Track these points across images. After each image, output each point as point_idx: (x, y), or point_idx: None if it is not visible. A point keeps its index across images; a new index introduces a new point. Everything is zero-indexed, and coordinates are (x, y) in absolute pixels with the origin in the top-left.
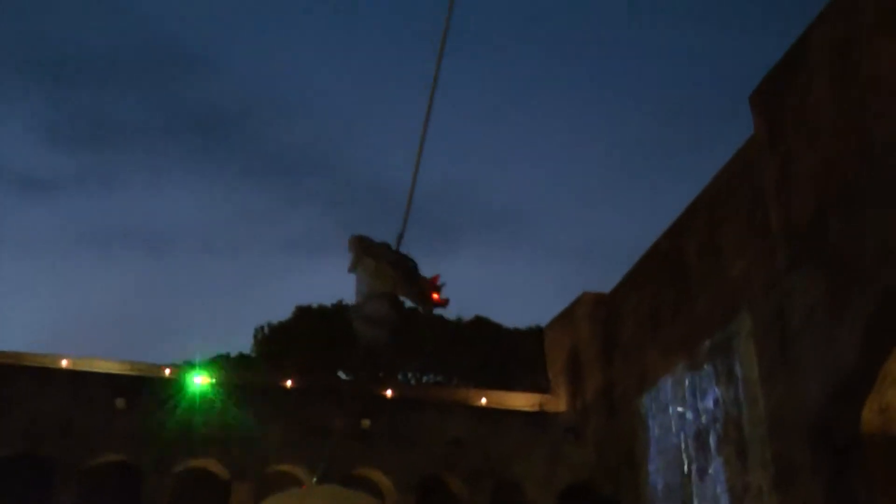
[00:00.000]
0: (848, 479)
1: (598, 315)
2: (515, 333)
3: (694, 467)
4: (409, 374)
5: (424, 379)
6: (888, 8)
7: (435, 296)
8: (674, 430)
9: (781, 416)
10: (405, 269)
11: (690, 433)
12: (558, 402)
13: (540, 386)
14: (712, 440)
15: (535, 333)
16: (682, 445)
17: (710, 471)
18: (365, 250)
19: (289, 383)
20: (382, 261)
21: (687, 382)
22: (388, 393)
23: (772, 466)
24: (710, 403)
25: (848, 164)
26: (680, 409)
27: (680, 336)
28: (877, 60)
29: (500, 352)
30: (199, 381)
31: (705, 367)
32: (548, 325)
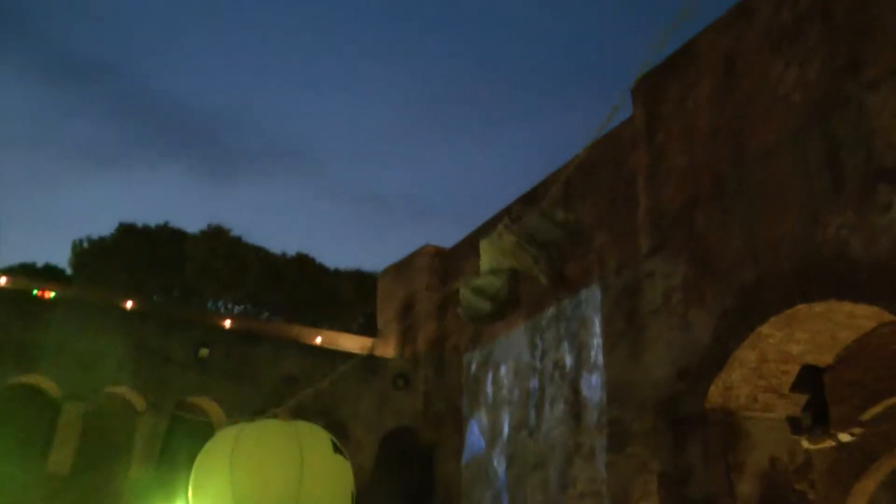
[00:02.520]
0: (687, 447)
1: (436, 268)
2: (336, 275)
3: (526, 424)
4: (231, 306)
5: (236, 310)
6: (776, 29)
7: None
8: (507, 387)
9: (622, 385)
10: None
11: (524, 391)
12: (388, 348)
13: (362, 329)
14: (547, 400)
15: (356, 276)
16: (515, 402)
17: (542, 428)
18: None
19: (129, 304)
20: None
21: (526, 343)
22: (227, 323)
23: (607, 429)
24: (549, 365)
25: (721, 165)
26: (515, 367)
27: (523, 298)
28: (759, 76)
29: (321, 292)
30: (39, 294)
31: (548, 331)
32: (383, 272)
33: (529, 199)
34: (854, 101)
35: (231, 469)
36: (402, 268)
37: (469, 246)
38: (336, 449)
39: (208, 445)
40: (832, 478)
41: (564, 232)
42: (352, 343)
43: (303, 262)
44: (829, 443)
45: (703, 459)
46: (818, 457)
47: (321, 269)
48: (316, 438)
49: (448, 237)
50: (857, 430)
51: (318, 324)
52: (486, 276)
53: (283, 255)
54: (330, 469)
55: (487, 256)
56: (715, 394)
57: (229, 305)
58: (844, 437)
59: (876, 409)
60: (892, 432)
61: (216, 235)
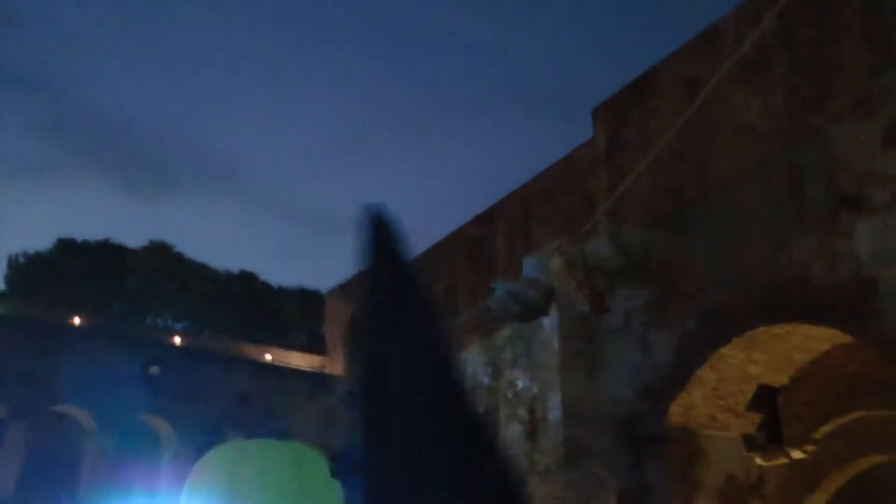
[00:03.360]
0: (646, 465)
1: None
2: (280, 293)
3: None
4: (172, 323)
5: (178, 327)
6: (743, 60)
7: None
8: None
9: (580, 405)
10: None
11: (480, 410)
12: (338, 366)
13: (305, 347)
14: (502, 419)
15: (299, 294)
16: None
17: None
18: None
19: (76, 321)
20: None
21: (480, 363)
22: (177, 341)
23: (563, 448)
24: (503, 385)
25: (683, 191)
26: (471, 387)
27: (477, 320)
28: (724, 104)
29: (265, 310)
30: None
31: (503, 351)
32: (332, 290)
33: (485, 219)
34: (818, 132)
35: (229, 488)
36: (351, 286)
37: (420, 264)
38: (332, 473)
39: (202, 464)
40: (784, 493)
41: (626, 260)
42: (301, 361)
43: (247, 280)
44: (783, 460)
45: (663, 477)
46: (771, 473)
47: (265, 287)
48: (313, 461)
49: None
50: (810, 448)
51: (264, 342)
52: (525, 284)
53: (227, 272)
54: (327, 495)
55: (531, 268)
56: (676, 413)
57: (170, 322)
58: (797, 455)
59: (827, 428)
60: (842, 450)
61: (158, 251)
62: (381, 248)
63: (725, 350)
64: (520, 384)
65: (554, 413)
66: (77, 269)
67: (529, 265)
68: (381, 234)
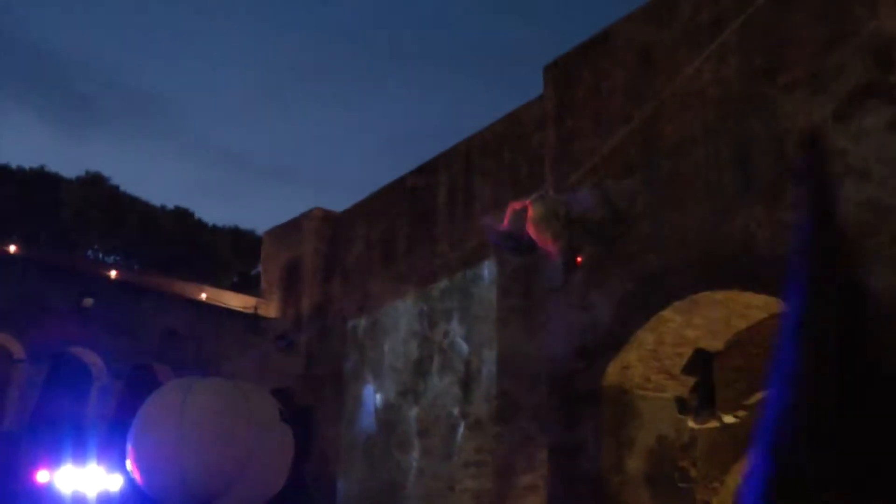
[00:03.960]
0: (580, 423)
1: (324, 232)
2: (214, 231)
3: (412, 391)
4: (103, 256)
5: (109, 260)
6: (695, 26)
7: (578, 260)
8: (394, 354)
9: (514, 360)
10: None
11: (412, 360)
12: (271, 309)
13: (236, 287)
14: (435, 370)
15: (234, 234)
16: (401, 370)
17: (429, 397)
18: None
19: (12, 249)
20: (553, 215)
21: (417, 313)
22: (111, 274)
23: (496, 401)
24: (439, 336)
25: (631, 154)
26: (404, 336)
27: (415, 269)
28: (675, 70)
29: (198, 247)
30: None
31: (440, 302)
32: (268, 231)
33: (426, 171)
34: (768, 103)
35: (177, 431)
36: (289, 229)
37: (359, 212)
38: (283, 417)
39: (153, 399)
40: (713, 457)
41: (609, 212)
42: (235, 301)
43: (181, 216)
44: (714, 423)
45: (596, 435)
46: (702, 436)
47: (199, 225)
48: (264, 404)
49: (326, 203)
50: (741, 413)
51: (197, 280)
52: (511, 227)
53: (162, 207)
54: (276, 437)
55: (510, 220)
56: (612, 373)
57: (102, 256)
58: (728, 419)
59: (759, 395)
60: None
61: (93, 183)
62: None
63: (665, 313)
64: (455, 336)
65: (488, 367)
66: (9, 196)
67: (512, 214)
68: None
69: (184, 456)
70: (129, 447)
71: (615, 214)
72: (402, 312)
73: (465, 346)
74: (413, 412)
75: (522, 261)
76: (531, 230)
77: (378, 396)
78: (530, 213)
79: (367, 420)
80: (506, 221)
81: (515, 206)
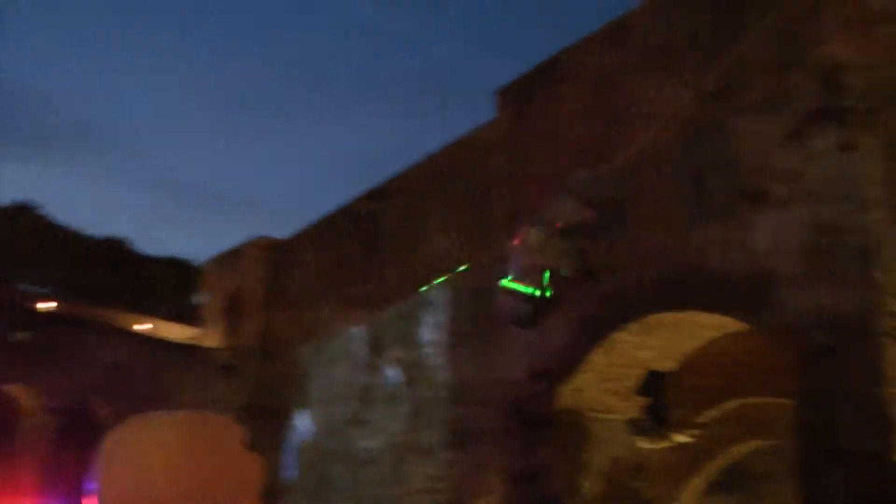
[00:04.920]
0: (536, 446)
1: (269, 259)
2: (151, 261)
3: (360, 419)
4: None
5: (45, 292)
6: (649, 51)
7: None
8: (341, 382)
9: (467, 385)
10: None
11: (360, 387)
12: (214, 339)
13: (177, 319)
14: (384, 397)
15: (172, 264)
16: (349, 397)
17: (378, 424)
18: (535, 225)
19: None
20: (552, 232)
21: (365, 339)
22: (45, 306)
23: (447, 427)
24: (387, 363)
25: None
26: (352, 363)
27: (363, 295)
28: (629, 93)
29: (135, 278)
30: None
31: (389, 328)
32: (210, 260)
33: (377, 195)
34: (722, 125)
35: (137, 465)
36: (232, 258)
37: (306, 239)
38: (248, 446)
39: (113, 440)
40: (667, 476)
41: (595, 212)
42: (177, 331)
43: (115, 246)
44: (667, 443)
45: (552, 458)
46: (655, 456)
47: (135, 255)
48: (226, 433)
49: (267, 232)
50: (694, 432)
51: (135, 310)
52: (524, 278)
53: (94, 237)
54: (240, 466)
55: (518, 260)
56: (566, 395)
57: (34, 288)
58: (681, 438)
59: (711, 413)
60: (724, 435)
61: (20, 212)
62: None
63: (619, 335)
64: (405, 362)
65: (440, 392)
66: None
67: (517, 252)
68: None
69: (150, 488)
70: (93, 485)
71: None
72: (350, 339)
73: (414, 373)
74: (361, 440)
75: (474, 284)
76: (532, 259)
77: (324, 424)
78: (529, 242)
79: (313, 448)
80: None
81: (512, 251)
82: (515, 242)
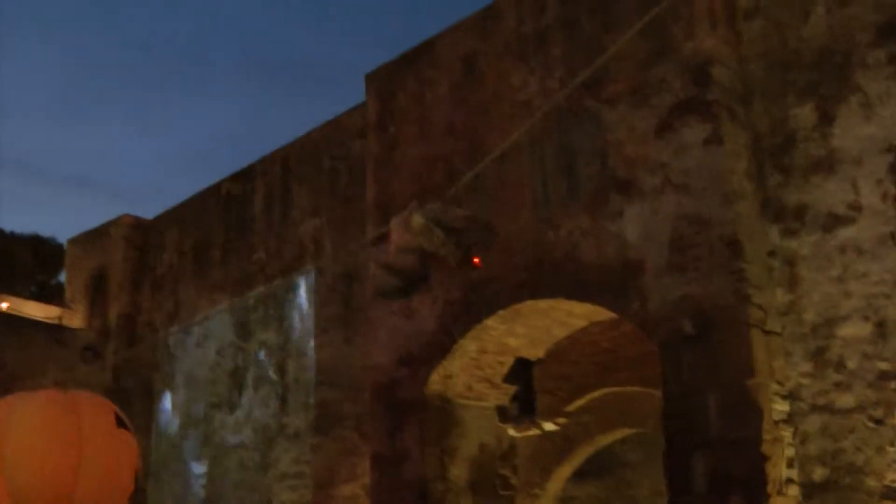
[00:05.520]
0: (403, 431)
1: (134, 239)
2: (10, 238)
3: (226, 404)
4: None
5: None
6: (520, 37)
7: (476, 260)
8: (207, 365)
9: (334, 369)
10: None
11: (226, 371)
12: (76, 319)
13: (34, 297)
14: (251, 380)
15: (33, 241)
16: (215, 381)
17: (244, 408)
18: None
19: None
20: (434, 223)
21: (230, 322)
22: None
23: (314, 411)
24: (254, 346)
25: (455, 161)
26: (218, 346)
27: (230, 278)
28: (500, 80)
29: None
30: None
31: (255, 311)
32: (73, 238)
33: (243, 177)
34: (592, 115)
35: (2, 448)
36: (96, 236)
37: (172, 219)
38: (119, 422)
39: None
40: (534, 463)
41: (470, 223)
42: (37, 311)
43: None
44: (534, 431)
45: (419, 443)
46: (523, 444)
47: None
48: (97, 411)
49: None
50: (561, 420)
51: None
52: (397, 254)
53: None
54: (112, 445)
55: (396, 235)
56: (435, 381)
57: None
58: (548, 427)
59: (579, 402)
60: (591, 423)
61: None
62: None
63: (489, 322)
64: (272, 346)
65: (306, 376)
66: None
67: (394, 231)
68: None
69: (12, 473)
70: None
71: (494, 213)
72: (217, 322)
73: (280, 357)
74: (228, 424)
75: (342, 269)
76: (415, 241)
77: (190, 409)
78: (411, 224)
79: (178, 434)
80: (391, 248)
81: (393, 225)
82: (396, 221)
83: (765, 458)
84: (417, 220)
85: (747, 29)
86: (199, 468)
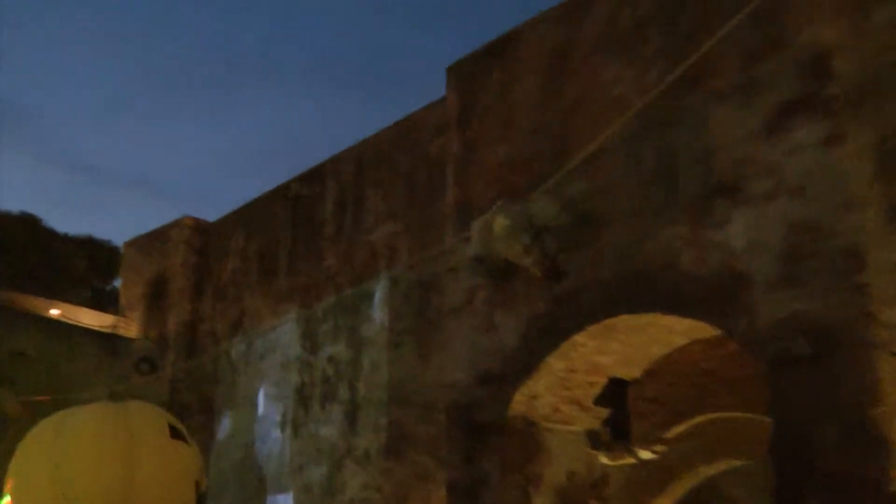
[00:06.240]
0: (482, 456)
1: (195, 243)
2: (66, 240)
3: (291, 422)
4: None
5: None
6: (614, 29)
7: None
8: (271, 381)
9: (408, 387)
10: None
11: (291, 387)
12: (132, 328)
13: (89, 304)
14: (318, 398)
15: (88, 244)
16: (279, 398)
17: (310, 428)
18: (506, 210)
19: None
20: (520, 225)
21: (297, 334)
22: None
23: (385, 433)
24: (322, 360)
25: (541, 163)
26: (283, 360)
27: (297, 286)
28: (589, 76)
29: (48, 259)
30: None
31: (324, 322)
32: (130, 241)
33: (312, 178)
34: (694, 113)
35: (54, 462)
36: (154, 239)
37: (235, 222)
38: (175, 434)
39: (29, 436)
40: (628, 495)
41: (572, 217)
42: (91, 318)
43: (28, 223)
44: (629, 459)
45: (500, 470)
46: (616, 473)
47: (49, 233)
48: (150, 422)
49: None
50: (659, 448)
51: (47, 294)
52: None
53: (6, 213)
54: (167, 456)
55: (476, 242)
56: (518, 402)
57: None
58: (645, 455)
59: (678, 428)
60: (692, 452)
61: None
62: None
63: (578, 337)
64: (341, 360)
65: (378, 394)
66: None
67: (474, 235)
68: None
69: (65, 490)
70: (6, 489)
71: (580, 219)
72: (283, 333)
73: (351, 372)
74: (292, 445)
75: (418, 278)
76: (499, 247)
77: (252, 428)
78: (493, 227)
79: (241, 454)
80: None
81: (474, 229)
82: (478, 224)
83: (892, 501)
84: (501, 221)
85: (876, 17)
86: (262, 491)
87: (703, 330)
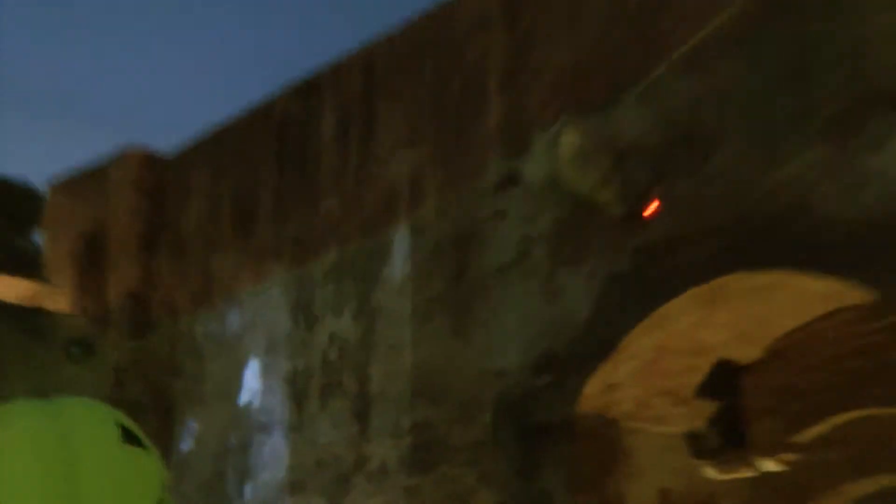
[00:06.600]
0: (542, 468)
1: (146, 184)
2: None
3: (280, 425)
4: None
5: None
6: None
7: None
8: (251, 369)
9: (438, 375)
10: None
11: (281, 377)
12: (61, 300)
13: (12, 267)
14: (316, 391)
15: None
16: (263, 392)
17: (306, 433)
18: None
19: None
20: (598, 145)
21: (286, 304)
22: None
23: (408, 438)
24: (322, 339)
25: (621, 67)
26: (268, 340)
27: (285, 239)
28: None
29: None
30: None
31: (323, 288)
32: (55, 184)
33: (305, 92)
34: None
35: None
36: (89, 180)
37: (200, 155)
38: (128, 438)
39: None
40: None
41: (668, 136)
42: (4, 287)
43: None
44: (746, 472)
45: (567, 487)
46: (727, 491)
47: None
48: (93, 424)
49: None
50: (789, 457)
51: None
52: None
53: None
54: (118, 470)
55: (535, 168)
56: (592, 395)
57: None
58: (768, 466)
59: (815, 430)
60: (836, 463)
61: None
62: None
63: (673, 306)
64: (348, 340)
65: (398, 386)
66: None
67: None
68: None
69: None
70: None
71: (678, 138)
72: (266, 304)
73: (360, 356)
74: (282, 457)
75: (451, 226)
76: (566, 176)
77: (226, 433)
78: (560, 147)
79: (212, 467)
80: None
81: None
82: (539, 147)
83: None
84: (570, 140)
85: None
86: None
87: (851, 294)
